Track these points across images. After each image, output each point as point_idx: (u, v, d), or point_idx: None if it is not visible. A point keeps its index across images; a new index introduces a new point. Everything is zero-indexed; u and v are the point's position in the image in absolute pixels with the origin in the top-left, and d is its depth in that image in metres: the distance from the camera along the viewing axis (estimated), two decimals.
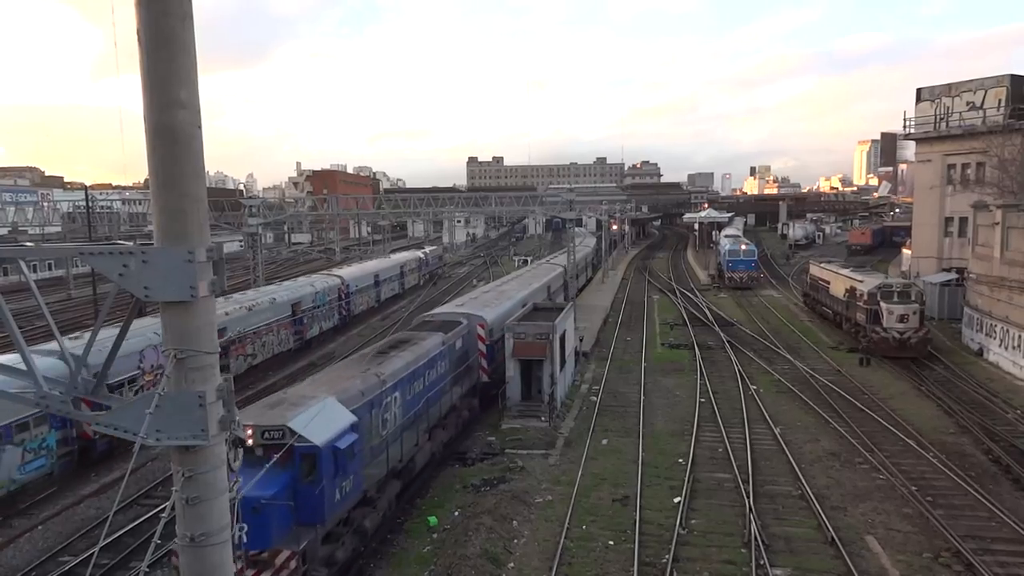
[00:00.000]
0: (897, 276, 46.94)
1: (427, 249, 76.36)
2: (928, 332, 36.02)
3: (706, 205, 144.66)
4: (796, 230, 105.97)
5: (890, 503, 19.48)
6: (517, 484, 20.94)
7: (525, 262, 69.37)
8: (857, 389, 30.55)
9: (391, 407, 18.81)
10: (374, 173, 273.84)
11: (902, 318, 35.16)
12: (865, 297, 37.09)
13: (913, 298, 35.76)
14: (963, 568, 16.02)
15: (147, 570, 6.10)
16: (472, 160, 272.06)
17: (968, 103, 49.44)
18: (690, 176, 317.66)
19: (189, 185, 5.59)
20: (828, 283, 45.97)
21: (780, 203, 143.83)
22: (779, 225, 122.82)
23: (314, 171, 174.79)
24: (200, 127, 5.64)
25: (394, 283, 57.49)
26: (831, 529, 17.73)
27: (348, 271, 50.63)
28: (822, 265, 49.63)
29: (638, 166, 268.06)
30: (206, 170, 5.95)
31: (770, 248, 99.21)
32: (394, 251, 78.33)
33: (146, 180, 6.28)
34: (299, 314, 38.47)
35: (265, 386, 31.60)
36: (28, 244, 67.02)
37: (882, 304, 35.76)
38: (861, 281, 39.31)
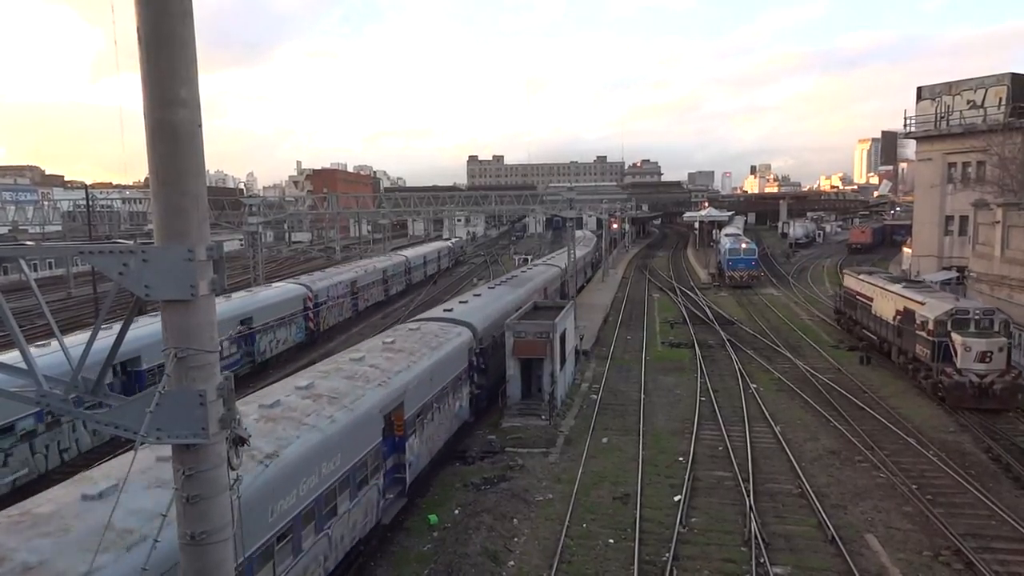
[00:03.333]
0: (968, 299, 33.83)
1: (453, 240, 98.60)
2: (1019, 375, 27.18)
3: (706, 204, 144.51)
4: (796, 229, 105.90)
5: (890, 501, 19.48)
6: (517, 482, 20.95)
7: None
8: (857, 387, 30.54)
9: None
10: (374, 172, 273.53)
11: (983, 357, 26.78)
12: (930, 326, 28.62)
13: (997, 329, 27.67)
14: (963, 566, 16.03)
15: (146, 568, 6.10)
16: (472, 159, 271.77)
17: (969, 101, 49.37)
18: (690, 175, 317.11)
19: (189, 183, 5.59)
20: (870, 300, 37.14)
21: (780, 202, 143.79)
22: (779, 224, 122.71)
23: (314, 170, 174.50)
24: (200, 125, 5.64)
25: (434, 263, 76.57)
26: (831, 527, 17.74)
27: (409, 252, 70.98)
28: (861, 276, 40.01)
29: (638, 165, 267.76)
30: (206, 168, 5.95)
31: (770, 247, 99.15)
32: (423, 243, 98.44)
33: (146, 179, 6.28)
34: (386, 278, 56.40)
35: (369, 322, 48.48)
36: (28, 243, 66.98)
37: (955, 337, 27.47)
38: (922, 303, 30.43)
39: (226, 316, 31.23)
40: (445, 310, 29.33)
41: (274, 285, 41.64)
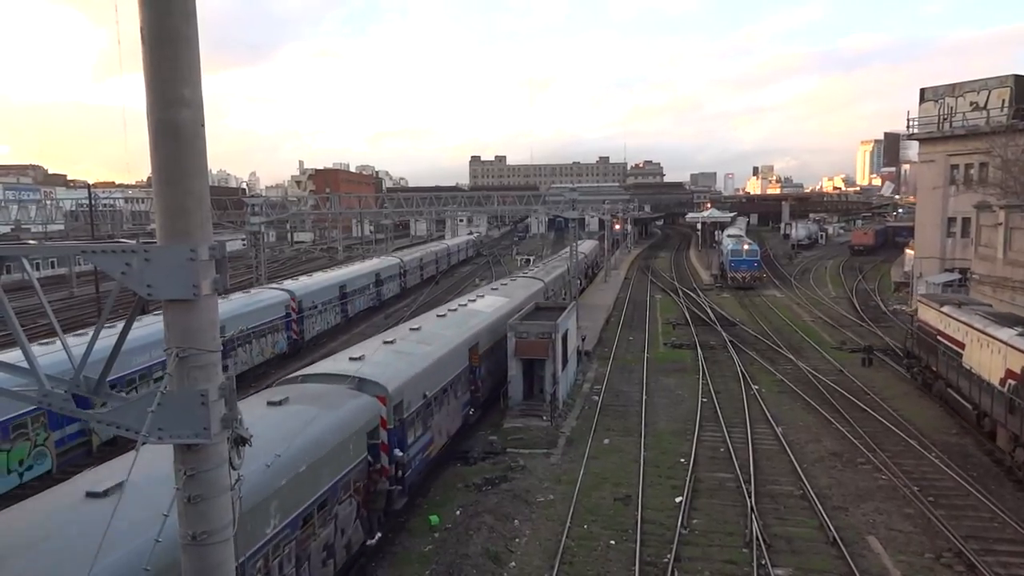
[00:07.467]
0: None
1: (475, 235, 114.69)
2: None
3: (709, 205, 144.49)
4: (799, 230, 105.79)
5: (892, 503, 19.46)
6: (519, 483, 20.96)
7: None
8: (859, 389, 30.49)
9: None
10: (377, 172, 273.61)
11: None
12: None
13: None
14: (965, 569, 16.01)
15: (147, 569, 6.10)
16: (475, 159, 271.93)
17: (972, 103, 49.26)
18: (693, 176, 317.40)
19: (192, 183, 5.59)
20: (960, 347, 25.31)
21: (783, 203, 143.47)
22: (782, 225, 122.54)
23: (317, 170, 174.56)
24: (203, 125, 5.64)
25: (462, 252, 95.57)
26: (833, 529, 17.73)
27: (448, 242, 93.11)
28: (945, 309, 27.52)
29: (641, 165, 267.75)
30: (209, 168, 5.95)
31: (773, 248, 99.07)
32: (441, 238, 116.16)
33: (149, 178, 6.28)
34: (437, 259, 76.77)
35: (424, 289, 64.84)
36: (31, 242, 67.02)
37: None
38: None
39: (367, 271, 52.55)
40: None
41: (381, 258, 62.78)
